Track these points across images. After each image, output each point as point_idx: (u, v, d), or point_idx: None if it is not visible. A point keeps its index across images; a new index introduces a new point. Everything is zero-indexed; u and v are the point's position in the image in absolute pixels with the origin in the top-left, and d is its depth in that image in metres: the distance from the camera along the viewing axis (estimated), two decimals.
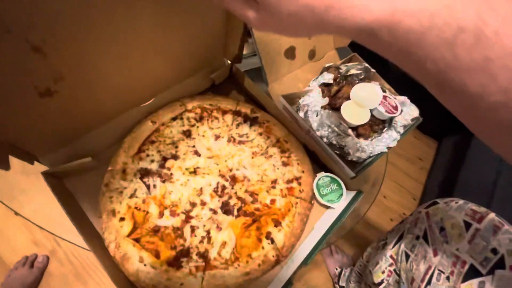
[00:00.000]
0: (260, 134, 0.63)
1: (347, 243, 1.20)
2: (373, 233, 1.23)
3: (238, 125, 0.64)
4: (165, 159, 0.57)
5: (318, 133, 0.62)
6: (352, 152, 0.65)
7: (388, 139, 0.66)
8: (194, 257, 0.48)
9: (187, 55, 0.59)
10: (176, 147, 0.59)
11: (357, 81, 0.74)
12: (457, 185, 1.22)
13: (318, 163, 0.66)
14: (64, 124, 0.48)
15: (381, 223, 1.28)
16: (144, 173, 0.54)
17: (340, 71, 0.76)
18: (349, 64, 0.77)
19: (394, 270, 0.61)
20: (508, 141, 0.20)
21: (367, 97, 0.68)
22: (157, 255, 0.47)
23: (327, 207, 0.59)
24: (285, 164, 0.60)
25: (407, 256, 0.56)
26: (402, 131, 0.68)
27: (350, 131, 0.63)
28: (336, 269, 1.14)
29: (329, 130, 0.66)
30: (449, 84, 0.20)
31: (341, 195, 0.58)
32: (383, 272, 0.63)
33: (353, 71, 0.75)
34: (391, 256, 0.65)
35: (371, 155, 0.66)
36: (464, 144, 1.33)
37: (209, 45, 0.61)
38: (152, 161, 0.56)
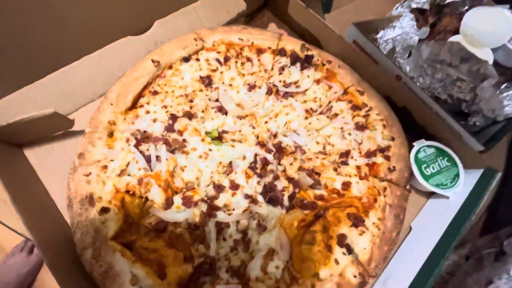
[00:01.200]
0: (318, 81, 0.46)
1: None
2: None
3: (282, 68, 0.48)
4: (174, 117, 0.42)
5: (414, 81, 0.40)
6: (485, 109, 0.41)
7: None
8: (223, 275, 0.34)
9: None
10: (191, 101, 0.44)
11: (457, 12, 0.49)
12: None
13: (410, 126, 0.42)
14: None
15: None
16: (142, 138, 0.40)
17: None
18: None
19: None
20: None
21: (489, 30, 0.46)
22: (161, 271, 0.32)
23: (430, 195, 0.41)
24: (361, 127, 0.44)
25: None
26: None
27: (491, 69, 0.39)
28: None
29: (437, 75, 0.42)
30: None
31: (457, 176, 0.37)
32: None
33: None
34: None
35: (506, 117, 0.42)
36: None
37: None
38: (155, 120, 0.42)
